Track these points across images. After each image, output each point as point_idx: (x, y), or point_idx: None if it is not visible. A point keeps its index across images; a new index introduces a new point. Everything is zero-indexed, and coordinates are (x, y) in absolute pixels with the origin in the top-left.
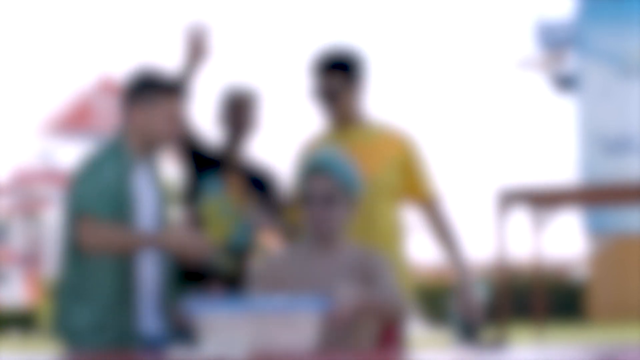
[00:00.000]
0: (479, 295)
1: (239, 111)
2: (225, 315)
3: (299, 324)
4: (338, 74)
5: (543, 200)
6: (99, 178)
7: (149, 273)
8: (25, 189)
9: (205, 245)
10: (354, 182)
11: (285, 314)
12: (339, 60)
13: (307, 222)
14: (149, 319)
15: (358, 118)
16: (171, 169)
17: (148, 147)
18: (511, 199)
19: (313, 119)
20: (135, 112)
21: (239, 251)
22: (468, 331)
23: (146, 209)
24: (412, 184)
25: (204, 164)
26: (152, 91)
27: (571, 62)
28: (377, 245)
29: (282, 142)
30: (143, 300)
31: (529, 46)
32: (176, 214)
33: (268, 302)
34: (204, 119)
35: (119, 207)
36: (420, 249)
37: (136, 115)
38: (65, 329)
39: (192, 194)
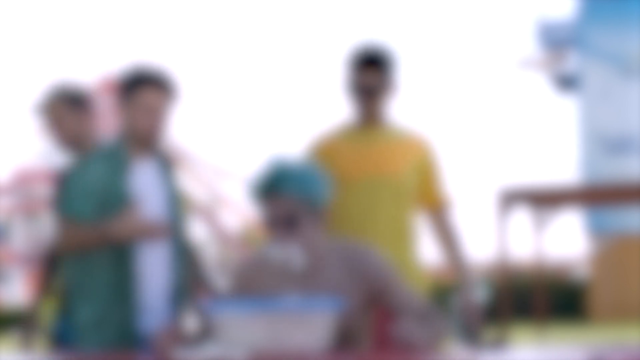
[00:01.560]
0: (478, 297)
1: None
2: (239, 314)
3: (313, 325)
4: (377, 70)
5: (544, 200)
6: (84, 180)
7: (155, 272)
8: (26, 189)
9: (161, 227)
10: (318, 195)
11: (300, 314)
12: (378, 57)
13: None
14: (152, 317)
15: (384, 118)
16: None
17: (143, 145)
18: (512, 198)
19: (328, 112)
20: (123, 110)
21: None
22: (469, 331)
23: (152, 207)
24: (427, 189)
25: None
26: (133, 87)
27: (572, 62)
28: (402, 246)
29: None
30: (147, 298)
31: (530, 46)
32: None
33: (283, 302)
34: None
35: (107, 208)
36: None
37: (124, 114)
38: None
39: None
